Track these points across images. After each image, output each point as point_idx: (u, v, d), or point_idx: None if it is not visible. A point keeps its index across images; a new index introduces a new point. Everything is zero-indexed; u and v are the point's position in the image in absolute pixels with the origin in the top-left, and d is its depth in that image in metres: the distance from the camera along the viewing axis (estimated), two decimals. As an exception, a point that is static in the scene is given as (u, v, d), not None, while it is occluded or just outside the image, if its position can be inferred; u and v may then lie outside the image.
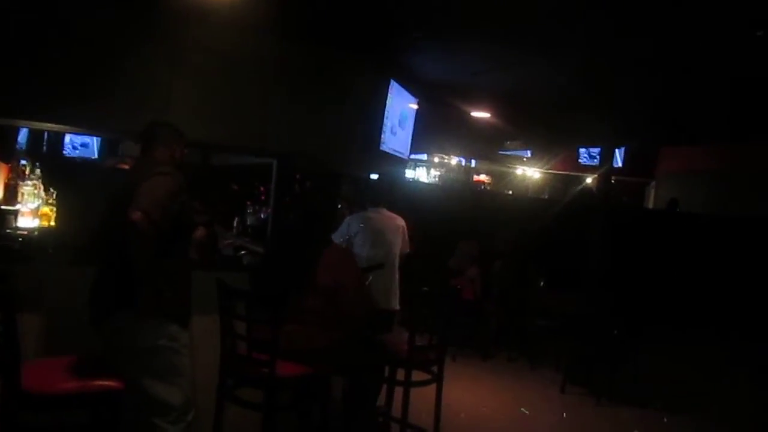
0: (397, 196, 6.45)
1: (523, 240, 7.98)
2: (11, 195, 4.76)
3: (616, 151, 16.01)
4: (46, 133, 6.97)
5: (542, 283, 7.69)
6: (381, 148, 7.42)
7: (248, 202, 7.22)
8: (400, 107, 7.95)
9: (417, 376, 4.00)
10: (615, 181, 15.70)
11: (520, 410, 5.60)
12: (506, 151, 17.12)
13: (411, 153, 9.15)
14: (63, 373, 2.72)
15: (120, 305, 2.80)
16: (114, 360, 2.86)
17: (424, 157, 17.07)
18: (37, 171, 5.03)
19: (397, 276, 5.01)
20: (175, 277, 2.93)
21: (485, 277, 7.67)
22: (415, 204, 8.38)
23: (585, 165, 16.62)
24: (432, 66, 7.58)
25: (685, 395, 6.21)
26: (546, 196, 16.65)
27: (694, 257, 8.25)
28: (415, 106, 8.42)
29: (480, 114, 9.64)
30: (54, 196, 5.03)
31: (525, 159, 17.79)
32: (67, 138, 7.95)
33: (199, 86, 5.24)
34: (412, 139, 8.51)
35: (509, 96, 8.55)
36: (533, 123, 10.85)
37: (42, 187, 4.98)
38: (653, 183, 15.42)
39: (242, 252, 5.39)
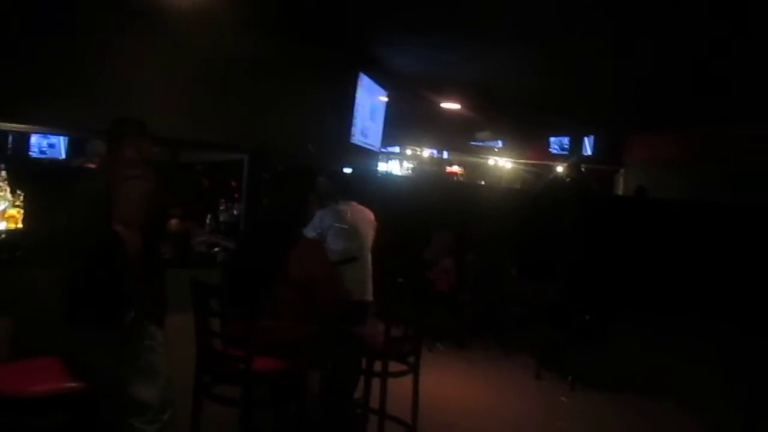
0: (369, 189, 6.46)
1: (496, 230, 8.05)
2: (-23, 198, 4.67)
3: (586, 139, 16.23)
4: (11, 135, 6.83)
5: (515, 272, 7.77)
6: (352, 141, 7.42)
7: (222, 200, 7.17)
8: (370, 100, 7.95)
9: (394, 367, 4.02)
10: (585, 169, 15.90)
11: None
12: (478, 142, 17.21)
13: (383, 146, 9.17)
14: (36, 375, 2.69)
15: (105, 312, 2.78)
16: (91, 361, 2.83)
17: (397, 149, 17.08)
18: (3, 173, 4.93)
19: (370, 267, 5.02)
20: (153, 277, 2.92)
21: (460, 268, 7.72)
22: (388, 197, 8.40)
23: (556, 154, 16.78)
24: (401, 58, 7.60)
25: (657, 380, 6.33)
26: (518, 186, 16.78)
27: (664, 243, 8.39)
28: (385, 99, 8.43)
29: (450, 105, 9.67)
30: (21, 198, 4.94)
31: (497, 150, 17.89)
32: (34, 139, 7.80)
33: (168, 83, 5.19)
34: (383, 132, 8.52)
35: (479, 87, 8.61)
36: (504, 113, 10.92)
37: (8, 189, 4.89)
38: (622, 171, 15.63)
39: (216, 249, 5.36)
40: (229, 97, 5.55)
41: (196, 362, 3.36)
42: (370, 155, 8.37)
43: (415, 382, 4.11)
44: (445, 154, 18.07)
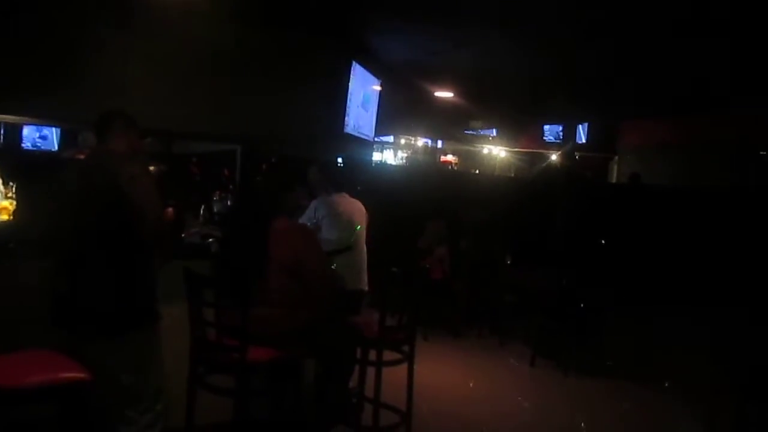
0: (362, 179, 6.45)
1: (489, 218, 8.05)
2: (-32, 190, 4.65)
3: (580, 127, 16.25)
4: (2, 127, 6.80)
5: (509, 261, 7.78)
6: (345, 131, 7.41)
7: (218, 192, 7.14)
8: (363, 89, 7.93)
9: (389, 356, 4.02)
10: (579, 157, 15.93)
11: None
12: (471, 131, 17.21)
13: (377, 135, 9.15)
14: (28, 366, 2.68)
15: (108, 314, 2.79)
16: (84, 353, 2.83)
17: (391, 139, 17.06)
18: (-6, 164, 4.91)
19: (365, 257, 5.02)
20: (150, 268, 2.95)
21: (453, 257, 7.72)
22: (382, 186, 8.39)
23: (549, 142, 16.81)
24: (394, 46, 7.59)
25: (652, 367, 6.37)
26: (512, 175, 16.80)
27: (658, 230, 8.41)
28: (378, 88, 8.40)
29: (444, 94, 9.66)
30: (13, 189, 4.92)
31: (491, 138, 17.90)
32: (26, 131, 7.76)
33: (160, 74, 5.17)
34: (377, 121, 8.51)
35: (472, 75, 8.60)
36: (497, 101, 10.93)
37: (0, 181, 4.86)
38: (616, 158, 15.65)
39: (209, 240, 5.34)
40: (221, 88, 5.53)
41: (190, 352, 3.35)
42: (363, 145, 8.36)
43: (410, 370, 4.12)
44: (439, 144, 18.05)
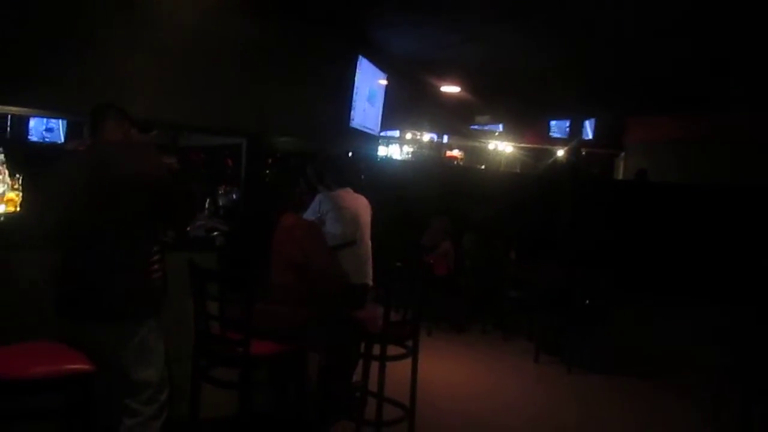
0: (367, 174, 6.44)
1: (494, 214, 8.05)
2: (-26, 182, 4.67)
3: (586, 123, 16.20)
4: (9, 119, 6.81)
5: (513, 256, 7.77)
6: (351, 125, 7.40)
7: (224, 186, 7.14)
8: (369, 83, 7.91)
9: (392, 351, 4.03)
10: (585, 153, 15.90)
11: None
12: (477, 126, 17.18)
13: (382, 130, 9.13)
14: (33, 357, 2.70)
15: (117, 301, 2.82)
16: (90, 341, 2.84)
17: (397, 134, 17.05)
18: (1, 156, 4.92)
19: (370, 252, 5.03)
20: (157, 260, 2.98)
21: (458, 252, 7.73)
22: (387, 181, 8.40)
23: (556, 138, 16.78)
24: (400, 40, 7.56)
25: (657, 363, 6.36)
26: (518, 170, 16.78)
27: (663, 226, 8.39)
28: (384, 82, 8.39)
29: (450, 88, 9.64)
30: (20, 181, 4.93)
31: (497, 134, 17.86)
32: (32, 123, 7.78)
33: (164, 66, 5.16)
34: (382, 116, 8.49)
35: (478, 69, 8.58)
36: (504, 96, 10.89)
37: (6, 173, 4.88)
38: (623, 154, 15.60)
39: (215, 233, 5.36)
40: (227, 80, 5.52)
41: (194, 345, 3.37)
42: (369, 139, 8.35)
43: (414, 365, 4.13)
44: (445, 139, 18.02)
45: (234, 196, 6.90)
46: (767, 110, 10.01)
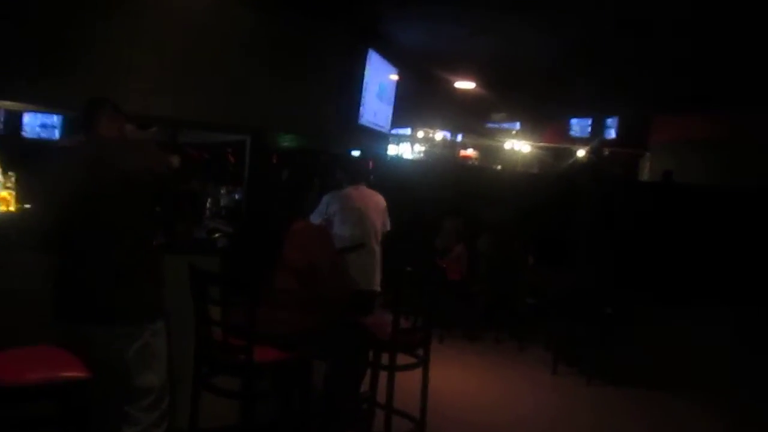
0: (378, 172, 6.45)
1: (511, 216, 8.04)
2: (-34, 180, 4.72)
3: (609, 121, 16.14)
4: (2, 113, 6.89)
5: (531, 261, 7.77)
6: (360, 123, 7.42)
7: (226, 186, 7.19)
8: (379, 78, 7.93)
9: (402, 359, 4.04)
10: (608, 152, 15.84)
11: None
12: (493, 124, 17.16)
13: (393, 127, 9.15)
14: (29, 363, 2.73)
15: (117, 304, 2.86)
16: (89, 345, 2.87)
17: (408, 132, 17.06)
18: (-6, 154, 4.98)
19: (378, 256, 5.04)
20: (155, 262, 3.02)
21: (472, 256, 7.73)
22: (398, 181, 8.41)
23: (576, 137, 16.72)
24: (412, 34, 7.57)
25: (683, 375, 6.32)
26: (536, 171, 16.73)
27: (690, 231, 8.34)
28: (395, 77, 8.41)
29: (464, 84, 9.65)
30: (13, 179, 4.99)
31: (514, 132, 17.84)
32: (26, 118, 7.84)
33: (166, 60, 5.20)
34: (393, 113, 8.51)
35: (495, 64, 8.57)
36: (521, 92, 10.88)
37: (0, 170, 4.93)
38: (648, 154, 15.53)
39: (216, 235, 5.39)
40: (231, 75, 5.55)
41: (195, 352, 3.39)
42: (379, 137, 8.37)
43: (425, 375, 4.13)
44: (459, 137, 18.00)
45: (237, 196, 6.94)
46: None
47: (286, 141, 6.73)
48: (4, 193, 4.89)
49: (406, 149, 17.36)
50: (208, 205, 7.03)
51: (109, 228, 2.85)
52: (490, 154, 18.43)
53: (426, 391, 4.15)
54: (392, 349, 4.00)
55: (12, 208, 4.86)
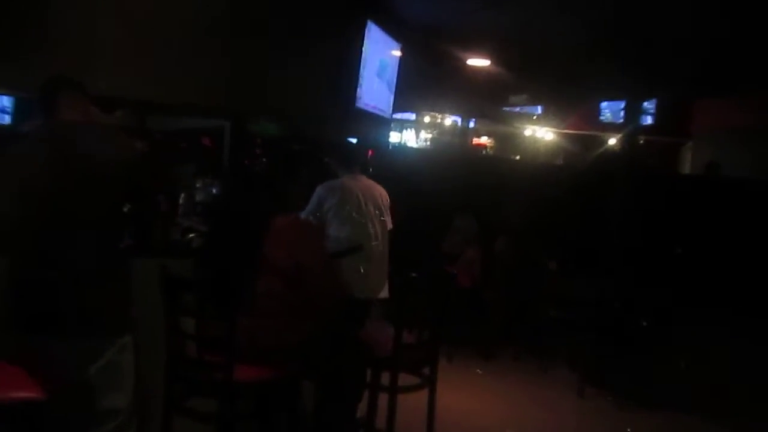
0: (378, 163, 6.46)
1: (531, 215, 8.05)
2: None
3: (645, 105, 16.12)
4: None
5: (554, 267, 7.78)
6: (357, 105, 7.43)
7: (201, 179, 7.19)
8: (380, 54, 7.95)
9: (405, 380, 4.06)
10: (644, 141, 15.84)
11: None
12: (511, 107, 17.17)
13: (395, 111, 9.17)
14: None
15: (83, 314, 2.87)
16: (46, 367, 2.88)
17: (412, 116, 17.08)
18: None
19: (381, 257, 5.04)
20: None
21: (486, 260, 7.73)
22: (401, 173, 8.42)
23: (607, 123, 16.73)
24: (417, 3, 7.57)
25: (728, 399, 6.34)
26: (560, 162, 16.74)
27: (741, 233, 8.35)
28: (398, 53, 8.42)
29: (478, 62, 9.67)
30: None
31: (535, 117, 17.86)
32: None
33: (131, 34, 5.21)
34: (395, 94, 8.53)
35: (513, 39, 8.57)
36: (543, 72, 10.88)
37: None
38: (690, 143, 15.54)
39: (191, 235, 5.41)
40: (209, 52, 5.58)
41: (166, 370, 3.41)
42: (379, 123, 8.38)
43: (431, 398, 4.15)
44: (471, 123, 18.02)
45: (213, 190, 6.95)
46: None
47: (271, 129, 6.74)
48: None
49: (410, 137, 17.38)
50: (180, 201, 7.05)
51: (70, 225, 2.86)
52: (507, 142, 18.45)
53: (432, 417, 4.17)
54: (394, 367, 4.01)
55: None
